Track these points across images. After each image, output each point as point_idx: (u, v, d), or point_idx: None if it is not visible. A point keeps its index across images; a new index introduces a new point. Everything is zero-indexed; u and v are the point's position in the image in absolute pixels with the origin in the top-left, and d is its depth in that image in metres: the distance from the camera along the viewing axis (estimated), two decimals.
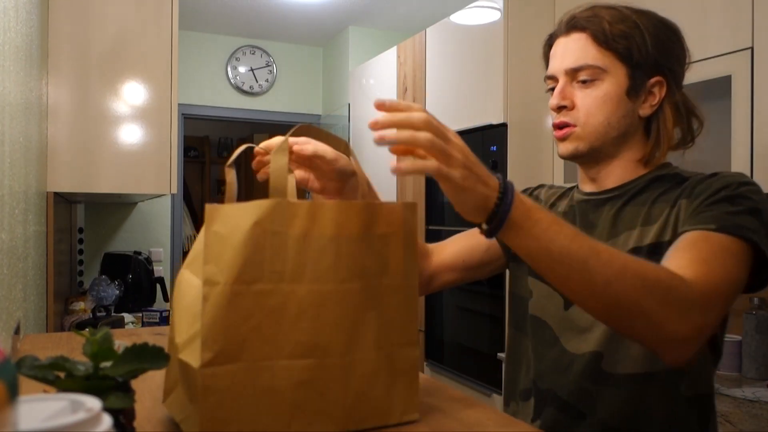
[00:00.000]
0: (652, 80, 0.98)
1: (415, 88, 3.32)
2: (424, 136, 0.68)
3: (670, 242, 0.90)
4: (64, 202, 2.70)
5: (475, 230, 1.06)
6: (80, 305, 2.96)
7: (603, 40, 0.97)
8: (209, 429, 0.65)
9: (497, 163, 2.61)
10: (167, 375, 0.77)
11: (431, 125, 0.69)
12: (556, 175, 2.59)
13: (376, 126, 0.69)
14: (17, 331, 1.27)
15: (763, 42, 1.83)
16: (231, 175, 0.81)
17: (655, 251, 0.91)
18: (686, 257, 0.83)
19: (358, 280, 0.73)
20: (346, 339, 0.72)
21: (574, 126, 0.99)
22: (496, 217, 0.73)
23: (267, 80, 4.74)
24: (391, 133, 0.69)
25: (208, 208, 0.68)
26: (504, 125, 2.61)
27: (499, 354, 2.54)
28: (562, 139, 1.01)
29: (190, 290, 0.72)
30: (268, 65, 4.74)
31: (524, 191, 1.17)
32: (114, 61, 2.25)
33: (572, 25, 1.00)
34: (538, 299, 1.06)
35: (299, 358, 0.69)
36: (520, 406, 1.07)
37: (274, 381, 0.68)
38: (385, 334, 0.75)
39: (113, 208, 4.14)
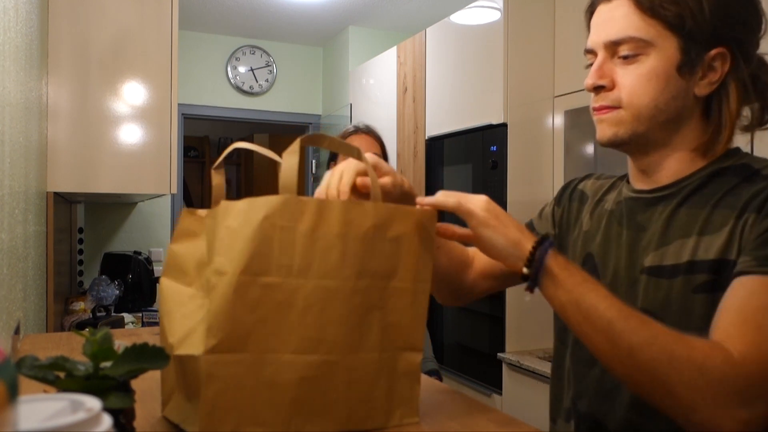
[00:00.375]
0: (712, 53, 0.82)
1: (415, 88, 3.32)
2: (451, 199, 0.82)
3: (736, 262, 0.76)
4: (64, 202, 2.70)
5: None
6: (80, 305, 2.96)
7: (648, 7, 0.81)
8: (210, 418, 0.66)
9: (497, 163, 2.61)
10: (163, 384, 0.78)
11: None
12: (556, 175, 2.59)
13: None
14: (17, 331, 1.27)
15: None
16: (218, 178, 0.84)
17: (719, 269, 0.77)
18: (738, 319, 0.70)
19: (365, 279, 0.74)
20: (350, 338, 0.73)
21: (615, 108, 0.85)
22: (534, 263, 0.76)
23: (267, 80, 4.74)
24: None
25: (223, 204, 0.70)
26: (504, 125, 2.61)
27: (499, 354, 2.54)
28: (600, 120, 0.88)
29: (176, 295, 0.74)
30: (268, 65, 4.74)
31: (570, 183, 1.06)
32: (114, 61, 2.25)
33: None
34: None
35: (304, 353, 0.70)
36: (562, 427, 0.97)
37: (277, 375, 0.69)
38: (389, 336, 0.76)
39: (113, 208, 4.14)
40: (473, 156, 2.80)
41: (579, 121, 2.54)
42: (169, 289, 0.76)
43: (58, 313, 2.52)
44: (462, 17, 2.94)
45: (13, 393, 0.35)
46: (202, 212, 0.79)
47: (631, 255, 0.88)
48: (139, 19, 2.29)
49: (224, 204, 0.70)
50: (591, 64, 0.88)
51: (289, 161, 0.72)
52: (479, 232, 0.80)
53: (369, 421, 0.75)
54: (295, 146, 0.73)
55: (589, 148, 2.72)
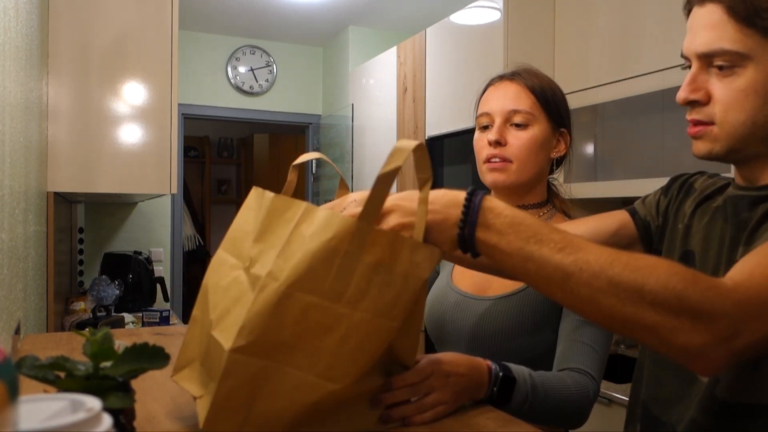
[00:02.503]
0: None
1: (415, 88, 3.32)
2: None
3: None
4: (64, 202, 2.70)
5: (612, 212, 1.00)
6: (80, 305, 2.96)
7: (744, 16, 0.74)
8: (218, 411, 0.66)
9: None
10: (185, 348, 0.78)
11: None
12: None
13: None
14: (17, 331, 1.27)
15: None
16: (293, 175, 0.85)
17: None
18: (746, 261, 0.69)
19: (401, 319, 0.72)
20: (368, 370, 0.72)
21: (709, 124, 0.79)
22: (464, 246, 0.70)
23: (267, 80, 4.74)
24: None
25: (308, 206, 0.69)
26: None
27: None
28: (695, 137, 0.81)
29: (230, 271, 0.73)
30: (268, 65, 4.74)
31: (681, 175, 1.00)
32: (114, 61, 2.25)
33: None
34: None
35: (328, 380, 0.68)
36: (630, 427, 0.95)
37: (296, 391, 0.68)
38: (394, 360, 0.78)
39: (113, 208, 4.14)
40: (473, 156, 2.80)
41: (578, 121, 2.54)
42: (218, 259, 0.76)
43: (59, 313, 2.52)
44: (462, 17, 2.94)
45: (13, 393, 0.35)
46: (269, 193, 0.76)
47: (731, 252, 0.82)
48: (139, 19, 2.29)
49: (307, 206, 0.69)
50: (687, 67, 0.81)
51: (380, 187, 0.69)
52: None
53: (360, 425, 0.76)
54: (395, 172, 0.68)
55: (589, 148, 2.72)
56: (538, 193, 1.21)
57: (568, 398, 0.97)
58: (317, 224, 0.67)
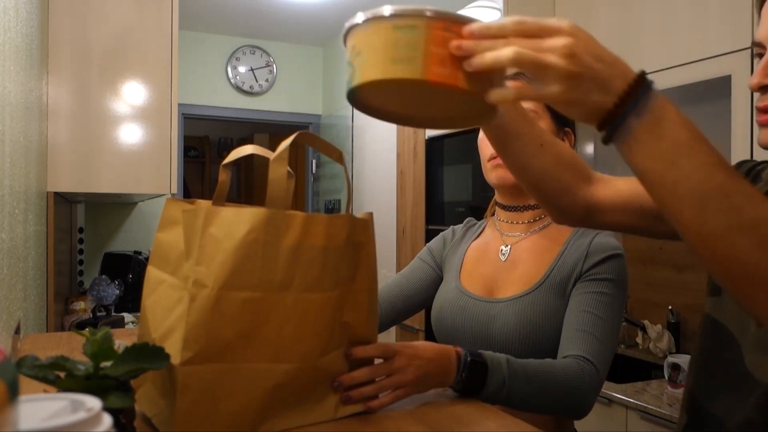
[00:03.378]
0: None
1: None
2: (506, 52, 0.56)
3: None
4: (64, 202, 2.70)
5: None
6: (80, 305, 2.96)
7: None
8: (185, 426, 0.66)
9: None
10: None
11: (521, 28, 0.58)
12: None
13: (459, 51, 0.57)
14: (17, 331, 1.27)
15: None
16: (225, 174, 0.83)
17: None
18: None
19: (338, 287, 0.76)
20: (321, 343, 0.75)
21: None
22: (609, 127, 0.60)
23: (267, 80, 4.74)
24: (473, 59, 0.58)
25: (209, 208, 0.69)
26: None
27: None
28: (763, 125, 0.77)
29: (160, 286, 0.74)
30: (268, 65, 4.74)
31: (746, 162, 0.95)
32: (114, 61, 2.25)
33: None
34: (723, 298, 0.85)
35: (280, 362, 0.71)
36: (683, 419, 0.92)
37: (251, 383, 0.70)
38: (346, 333, 0.79)
39: (113, 208, 4.14)
40: (473, 156, 2.80)
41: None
42: (154, 278, 0.77)
43: (59, 312, 2.52)
44: None
45: (13, 393, 0.35)
46: (185, 204, 0.78)
47: None
48: (139, 19, 2.29)
49: (208, 208, 0.70)
50: (759, 55, 0.77)
51: (277, 171, 0.71)
52: (562, 109, 0.62)
53: (324, 413, 0.78)
54: (283, 153, 0.71)
55: (589, 148, 2.73)
56: None
57: (555, 381, 0.94)
58: (228, 222, 0.68)
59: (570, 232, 1.14)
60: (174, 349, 0.67)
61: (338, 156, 0.81)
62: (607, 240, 1.11)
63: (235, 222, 0.68)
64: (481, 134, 1.20)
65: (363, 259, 0.80)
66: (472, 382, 0.89)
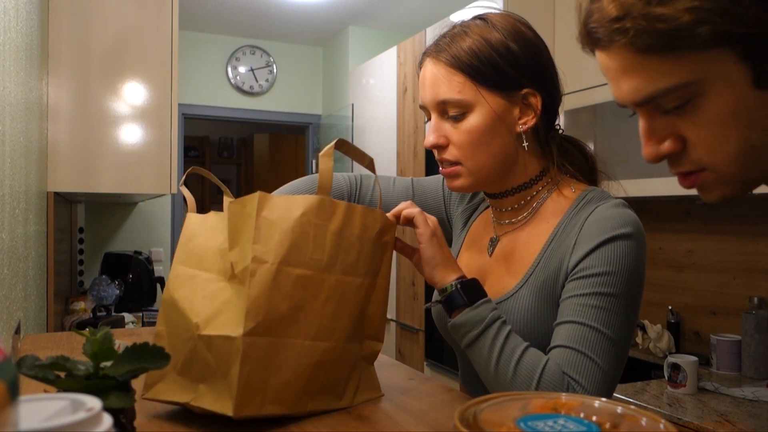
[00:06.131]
0: None
1: (415, 88, 3.32)
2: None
3: None
4: (64, 202, 2.70)
5: None
6: (80, 305, 2.96)
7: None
8: (243, 396, 0.70)
9: None
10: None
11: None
12: None
13: None
14: (17, 331, 1.27)
15: None
16: (188, 192, 0.92)
17: None
18: None
19: (368, 276, 0.84)
20: (351, 328, 0.82)
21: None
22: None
23: (267, 80, 4.74)
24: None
25: (261, 195, 0.76)
26: None
27: None
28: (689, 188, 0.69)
29: (192, 281, 0.79)
30: (268, 65, 4.74)
31: None
32: (114, 61, 2.25)
33: None
34: None
35: (320, 340, 0.77)
36: None
37: (297, 358, 0.75)
38: (366, 326, 0.86)
39: (113, 208, 4.14)
40: None
41: (578, 121, 2.54)
42: (184, 274, 0.81)
43: (59, 312, 2.52)
44: (462, 17, 2.94)
45: (13, 393, 0.35)
46: (206, 215, 0.86)
47: None
48: (139, 20, 2.29)
49: (260, 196, 0.76)
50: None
51: (325, 164, 0.80)
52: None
53: (347, 399, 0.84)
54: (330, 149, 0.81)
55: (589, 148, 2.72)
56: (518, 174, 0.98)
57: (511, 361, 0.84)
58: (279, 207, 0.76)
59: (565, 210, 0.95)
60: (231, 324, 0.72)
61: (369, 163, 0.88)
62: (606, 214, 0.89)
63: (285, 207, 0.76)
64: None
65: (386, 261, 0.88)
66: (464, 294, 0.88)
